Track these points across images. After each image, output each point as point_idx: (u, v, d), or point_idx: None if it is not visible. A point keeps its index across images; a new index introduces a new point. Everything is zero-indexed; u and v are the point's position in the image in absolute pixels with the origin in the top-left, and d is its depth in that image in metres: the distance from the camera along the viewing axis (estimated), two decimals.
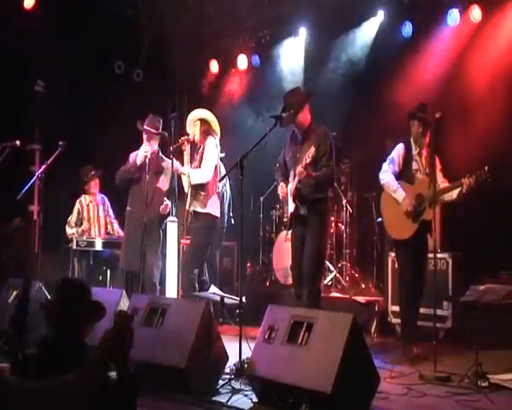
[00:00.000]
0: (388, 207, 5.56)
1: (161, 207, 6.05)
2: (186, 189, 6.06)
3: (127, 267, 6.18)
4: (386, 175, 5.49)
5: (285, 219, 5.51)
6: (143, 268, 5.87)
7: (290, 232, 5.44)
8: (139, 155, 6.11)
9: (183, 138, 5.98)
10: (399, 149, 5.50)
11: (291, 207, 5.28)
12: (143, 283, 5.90)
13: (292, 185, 5.25)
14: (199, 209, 5.92)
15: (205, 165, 5.95)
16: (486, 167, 4.90)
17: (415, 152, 5.46)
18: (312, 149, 4.96)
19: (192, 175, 5.94)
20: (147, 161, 6.07)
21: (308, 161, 4.96)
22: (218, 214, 6.04)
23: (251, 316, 5.11)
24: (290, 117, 5.22)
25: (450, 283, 6.20)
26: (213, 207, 5.96)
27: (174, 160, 5.95)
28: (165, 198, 6.11)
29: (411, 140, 5.48)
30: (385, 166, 5.55)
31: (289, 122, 5.27)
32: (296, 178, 5.13)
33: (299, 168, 5.03)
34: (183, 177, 6.12)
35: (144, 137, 6.19)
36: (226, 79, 9.90)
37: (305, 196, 5.22)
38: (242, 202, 4.88)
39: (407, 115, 5.52)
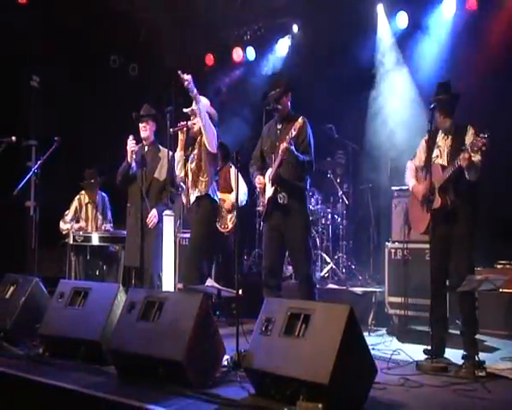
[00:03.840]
0: (412, 205, 5.30)
1: (148, 221, 5.93)
2: (177, 171, 5.94)
3: (128, 263, 6.18)
4: (407, 173, 5.32)
5: (259, 209, 5.46)
6: (143, 262, 5.87)
7: (265, 222, 5.39)
8: (128, 152, 6.08)
9: (182, 123, 5.86)
10: (422, 141, 5.22)
11: (269, 192, 5.26)
12: (144, 276, 5.90)
13: (271, 170, 5.25)
14: (199, 194, 5.81)
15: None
16: (482, 134, 4.52)
17: (439, 137, 5.08)
18: (298, 124, 5.04)
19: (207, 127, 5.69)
20: (134, 155, 6.05)
21: (293, 134, 5.02)
22: (218, 200, 6.00)
23: (247, 308, 5.13)
24: (276, 95, 5.29)
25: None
26: (214, 193, 5.90)
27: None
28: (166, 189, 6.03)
29: (437, 125, 5.05)
30: (408, 162, 5.37)
31: (274, 102, 5.29)
32: (277, 161, 5.14)
33: (284, 145, 5.05)
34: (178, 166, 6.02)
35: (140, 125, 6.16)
36: (221, 71, 9.91)
37: (286, 179, 5.20)
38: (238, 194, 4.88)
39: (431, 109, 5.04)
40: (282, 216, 5.24)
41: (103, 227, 7.53)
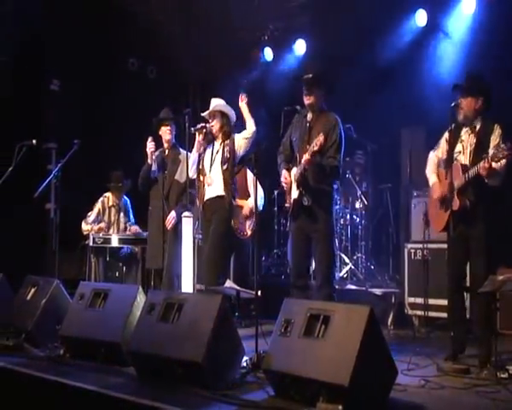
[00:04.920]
0: (431, 202, 5.18)
1: (167, 223, 6.00)
2: (190, 172, 5.96)
3: (150, 265, 6.22)
4: (428, 164, 5.13)
5: (287, 205, 5.34)
6: (164, 263, 5.90)
7: (291, 221, 5.33)
8: (148, 154, 6.11)
9: (201, 125, 5.88)
10: (446, 133, 4.97)
11: (294, 193, 5.15)
12: (163, 277, 5.93)
13: (297, 171, 5.12)
14: (215, 194, 5.83)
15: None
16: (503, 146, 4.39)
17: (463, 131, 4.88)
18: (321, 138, 4.83)
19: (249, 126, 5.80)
20: (154, 156, 6.08)
21: (315, 149, 4.85)
22: (234, 201, 6.00)
23: (266, 309, 5.12)
24: (308, 80, 5.11)
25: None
26: (231, 192, 5.90)
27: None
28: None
29: (462, 118, 4.85)
30: (430, 153, 5.15)
31: (305, 88, 5.13)
32: (301, 166, 5.01)
33: (306, 157, 4.93)
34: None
35: (163, 129, 6.17)
36: (239, 73, 9.90)
37: (311, 183, 5.06)
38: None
39: (453, 88, 4.87)
40: (308, 220, 5.13)
41: (133, 228, 7.50)
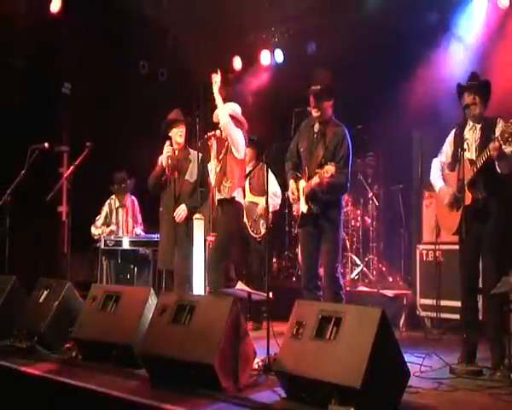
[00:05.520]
0: (439, 206, 5.09)
1: (176, 214, 5.97)
2: (212, 181, 6.01)
3: (161, 266, 6.23)
4: (432, 171, 5.10)
5: (295, 214, 5.40)
6: (175, 269, 5.92)
7: (300, 228, 5.35)
8: (163, 157, 6.12)
9: (210, 134, 5.93)
10: (450, 135, 4.99)
11: (303, 207, 5.17)
12: (175, 279, 5.94)
13: (306, 188, 5.14)
14: (223, 196, 5.84)
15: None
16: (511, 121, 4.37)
17: (467, 130, 4.83)
18: (332, 169, 4.82)
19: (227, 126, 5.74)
20: (169, 161, 6.10)
21: (326, 179, 4.87)
22: (243, 203, 5.99)
23: (278, 311, 5.11)
24: (316, 92, 5.07)
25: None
26: (240, 197, 5.91)
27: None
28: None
29: (466, 117, 4.83)
30: (434, 160, 5.14)
31: (313, 99, 5.11)
32: (311, 182, 5.04)
33: (316, 180, 4.94)
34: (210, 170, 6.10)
35: (175, 131, 6.20)
36: (249, 75, 9.92)
37: (320, 196, 5.09)
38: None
39: (457, 87, 4.89)
40: (317, 227, 5.17)
41: (134, 231, 7.60)
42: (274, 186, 6.94)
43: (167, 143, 6.14)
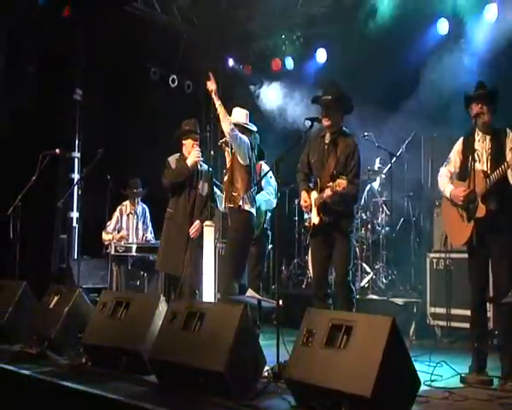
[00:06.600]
0: (446, 213, 5.03)
1: (192, 230, 6.03)
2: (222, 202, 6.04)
3: (167, 270, 6.20)
4: (440, 179, 5.03)
5: (306, 224, 5.39)
6: (184, 274, 5.92)
7: (311, 238, 5.36)
8: (190, 159, 6.12)
9: (220, 142, 5.95)
10: (457, 144, 4.93)
11: (315, 218, 5.17)
12: (182, 289, 5.94)
13: (317, 197, 5.15)
14: (232, 205, 5.86)
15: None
16: None
17: (476, 140, 4.78)
18: (344, 183, 4.80)
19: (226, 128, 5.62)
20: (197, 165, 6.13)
21: (338, 191, 4.86)
22: (253, 211, 5.99)
23: (287, 319, 5.11)
24: (327, 102, 5.07)
25: (490, 282, 6.08)
26: (248, 204, 5.90)
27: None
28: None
29: (475, 127, 4.77)
30: (441, 169, 5.08)
31: (323, 109, 5.10)
32: (323, 195, 5.04)
33: (328, 193, 4.95)
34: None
35: (191, 142, 6.20)
36: (260, 81, 9.96)
37: (331, 207, 5.08)
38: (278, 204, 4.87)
39: (464, 98, 4.84)
40: (328, 236, 5.16)
41: (144, 237, 7.62)
42: (271, 187, 6.85)
43: (196, 146, 6.13)
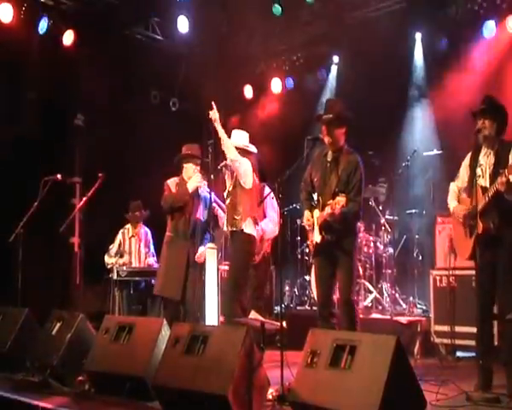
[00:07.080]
0: (454, 228, 5.05)
1: (197, 256, 6.06)
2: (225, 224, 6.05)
3: (166, 293, 6.15)
4: (449, 194, 5.06)
5: (309, 243, 5.39)
6: (186, 299, 5.90)
7: (314, 257, 5.36)
8: (192, 184, 6.13)
9: (221, 165, 5.97)
10: (466, 159, 4.95)
11: (317, 237, 5.15)
12: (185, 314, 5.92)
13: (319, 216, 5.13)
14: (234, 229, 5.87)
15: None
16: None
17: (481, 155, 4.80)
18: (343, 201, 4.80)
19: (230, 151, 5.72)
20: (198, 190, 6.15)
21: (337, 210, 4.84)
22: (256, 235, 5.98)
23: (291, 340, 5.07)
24: (328, 120, 5.07)
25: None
26: (250, 228, 5.90)
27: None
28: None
29: (479, 142, 4.79)
30: (451, 184, 5.08)
31: (325, 128, 5.10)
32: (324, 213, 5.02)
33: (329, 211, 4.92)
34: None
35: (193, 167, 6.21)
36: (260, 103, 10.01)
37: (334, 226, 5.05)
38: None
39: (472, 114, 4.83)
40: (331, 255, 5.13)
41: (147, 262, 7.61)
42: (274, 214, 6.81)
43: (197, 171, 6.15)
